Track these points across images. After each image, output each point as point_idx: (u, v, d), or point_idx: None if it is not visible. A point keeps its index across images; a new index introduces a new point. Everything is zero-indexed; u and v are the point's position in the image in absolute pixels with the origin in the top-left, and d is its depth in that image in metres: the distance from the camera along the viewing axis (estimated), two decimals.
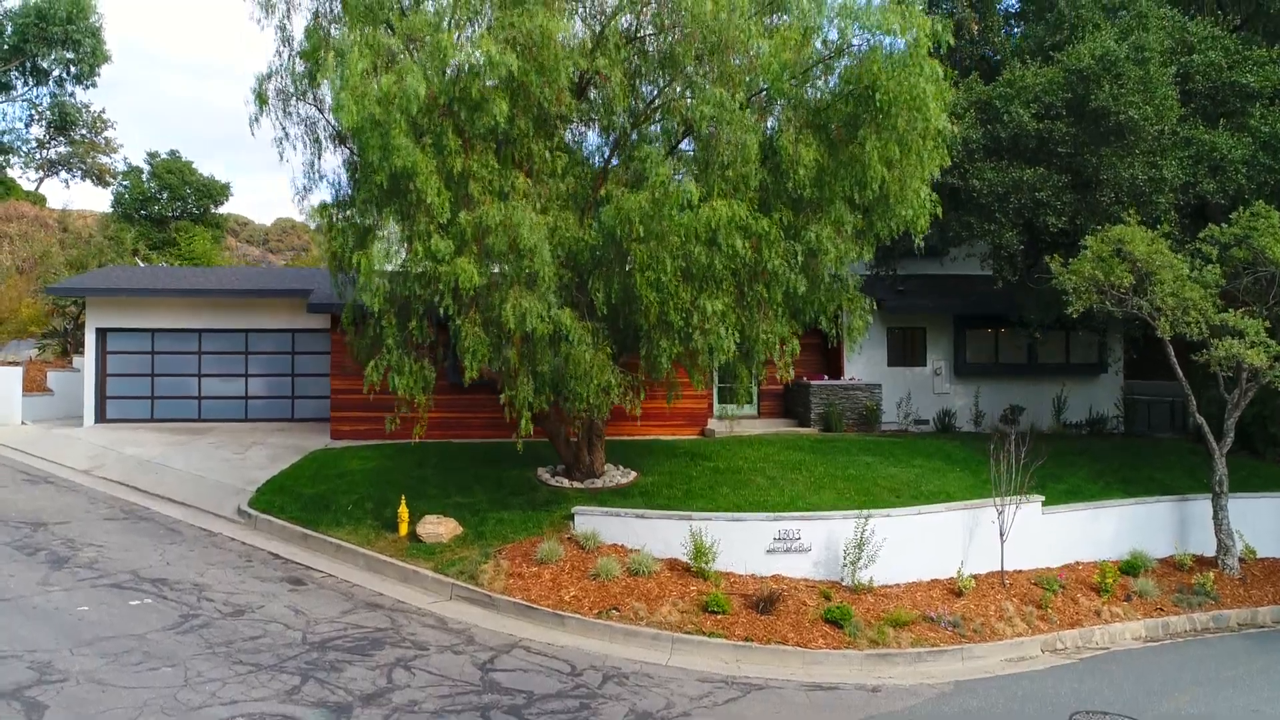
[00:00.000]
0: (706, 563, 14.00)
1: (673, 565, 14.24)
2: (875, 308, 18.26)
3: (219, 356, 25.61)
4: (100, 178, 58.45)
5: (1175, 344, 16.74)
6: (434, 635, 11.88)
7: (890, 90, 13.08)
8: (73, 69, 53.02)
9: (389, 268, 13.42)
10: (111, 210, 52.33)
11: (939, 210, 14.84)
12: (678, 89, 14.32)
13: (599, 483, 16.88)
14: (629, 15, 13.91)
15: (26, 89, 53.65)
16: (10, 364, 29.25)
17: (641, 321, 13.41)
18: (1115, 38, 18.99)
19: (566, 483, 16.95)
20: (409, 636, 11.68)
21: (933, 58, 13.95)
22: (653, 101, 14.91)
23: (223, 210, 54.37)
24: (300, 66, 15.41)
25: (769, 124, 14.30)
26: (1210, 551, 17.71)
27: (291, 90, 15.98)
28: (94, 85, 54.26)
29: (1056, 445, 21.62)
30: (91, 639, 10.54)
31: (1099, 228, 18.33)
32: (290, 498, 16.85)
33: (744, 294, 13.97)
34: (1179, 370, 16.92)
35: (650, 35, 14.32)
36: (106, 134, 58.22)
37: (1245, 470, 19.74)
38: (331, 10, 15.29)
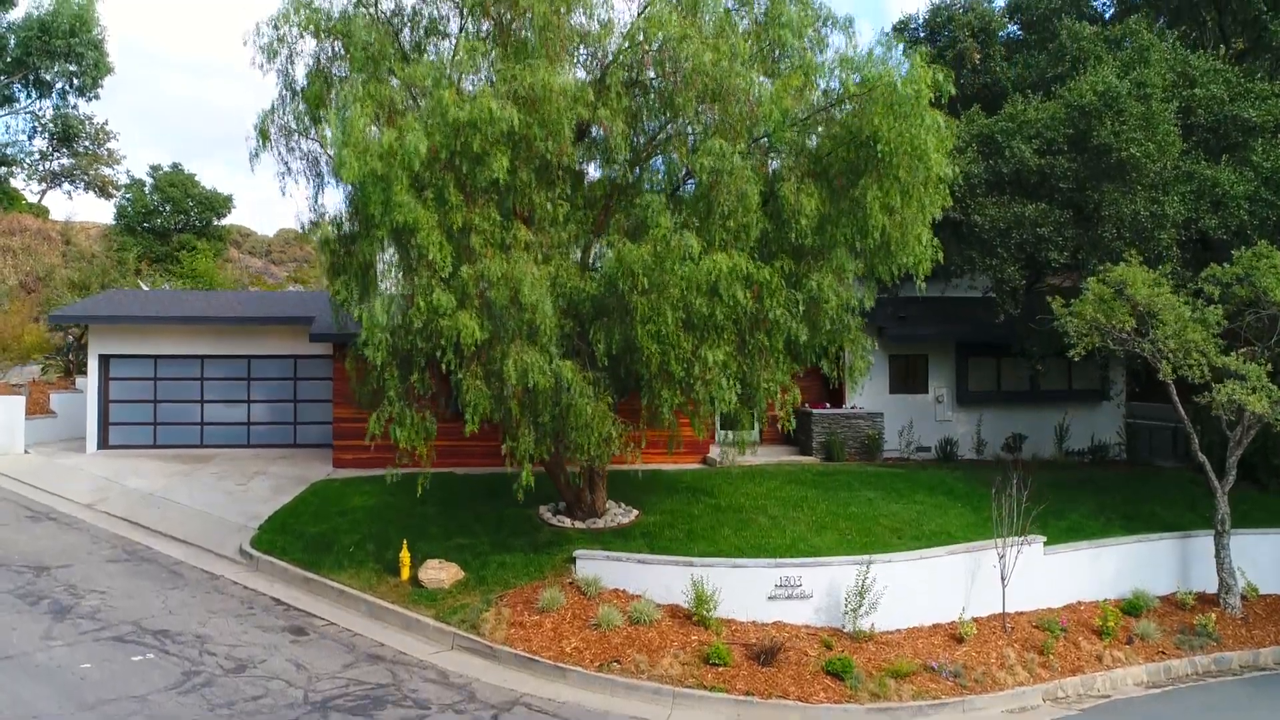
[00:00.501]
0: (708, 610, 14.01)
1: (674, 612, 14.25)
2: (876, 344, 18.29)
3: (221, 383, 25.66)
4: (103, 189, 58.50)
5: (1178, 383, 16.73)
6: (436, 692, 11.89)
7: (891, 141, 13.07)
8: (75, 81, 53.01)
9: (390, 287, 13.46)
10: (114, 223, 52.46)
11: (940, 255, 14.85)
12: (678, 132, 14.32)
13: (600, 523, 16.89)
14: (630, 58, 13.88)
15: (29, 101, 53.74)
16: (14, 387, 29.34)
17: (643, 371, 13.42)
18: (1117, 73, 19.00)
19: (568, 522, 16.96)
20: (410, 694, 11.69)
21: (934, 108, 13.96)
22: (655, 138, 14.92)
23: (225, 222, 54.59)
24: (302, 106, 15.48)
25: (770, 167, 14.27)
26: (1212, 587, 17.68)
27: (293, 126, 16.02)
28: (97, 97, 54.23)
29: (1058, 476, 21.70)
30: (94, 702, 10.56)
31: (1101, 264, 18.35)
32: (292, 537, 16.87)
33: (745, 342, 13.97)
34: (1181, 410, 16.91)
35: (652, 79, 14.30)
36: (109, 145, 58.36)
37: (1247, 503, 19.70)
38: (333, 48, 15.32)
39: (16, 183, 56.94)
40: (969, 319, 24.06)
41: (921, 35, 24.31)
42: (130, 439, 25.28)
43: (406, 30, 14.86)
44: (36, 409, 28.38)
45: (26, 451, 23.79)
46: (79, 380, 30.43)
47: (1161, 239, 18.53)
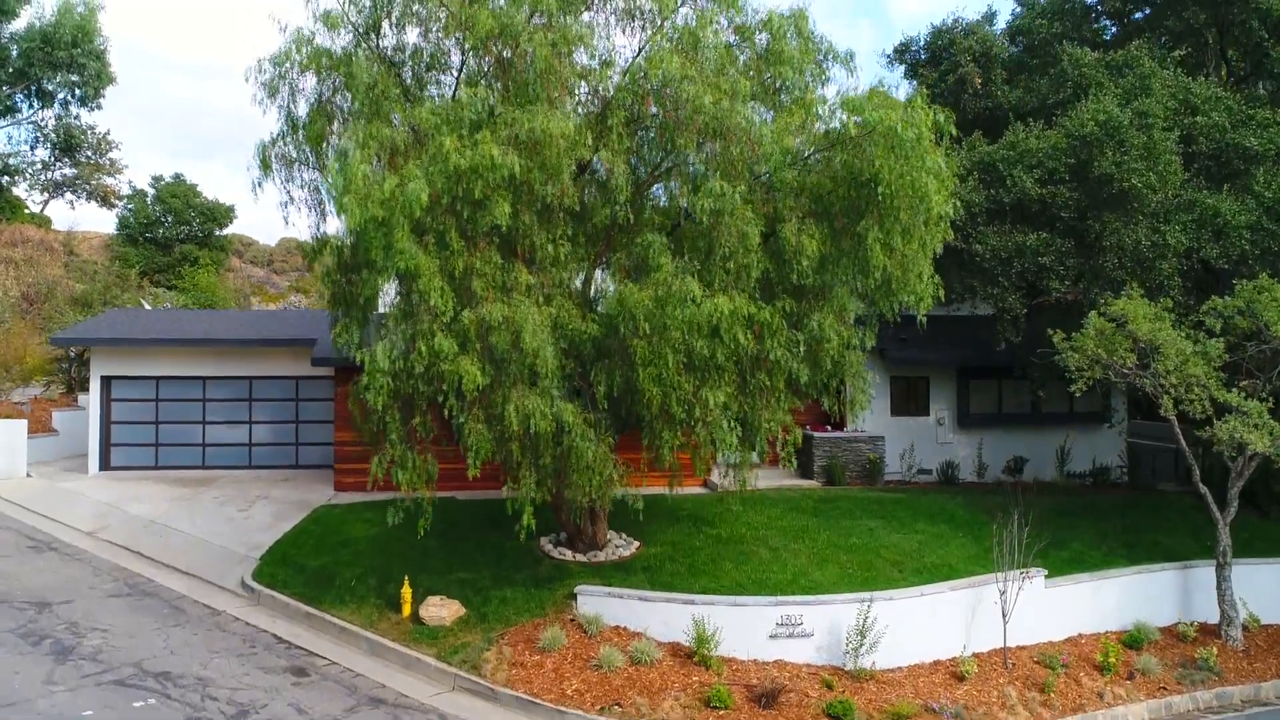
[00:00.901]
0: (709, 650, 14.02)
1: (675, 651, 14.26)
2: (877, 366, 18.24)
3: (223, 404, 25.70)
4: (105, 199, 58.61)
5: (1180, 414, 16.72)
6: None
7: (892, 184, 13.07)
8: (77, 91, 53.21)
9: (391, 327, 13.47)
10: (116, 234, 52.54)
11: (941, 292, 14.85)
12: (679, 169, 14.33)
13: (601, 555, 16.90)
14: (630, 97, 13.88)
15: (32, 111, 53.84)
16: (17, 405, 29.40)
17: (644, 412, 13.44)
18: (1118, 102, 18.99)
19: (569, 555, 16.97)
20: None
21: (937, 144, 13.98)
22: (655, 174, 14.93)
23: (227, 231, 54.63)
24: (305, 143, 15.52)
25: (771, 205, 14.25)
26: (1213, 617, 17.69)
27: (294, 156, 16.03)
28: (99, 107, 54.44)
29: (1059, 501, 21.70)
30: None
31: (1102, 293, 18.38)
32: (294, 570, 16.89)
33: (746, 381, 13.98)
34: (1184, 442, 16.91)
35: (654, 113, 14.28)
36: (111, 155, 58.45)
37: (1249, 530, 19.70)
38: (334, 83, 15.31)
39: (18, 191, 57.07)
40: (971, 341, 24.03)
41: (923, 58, 24.31)
42: (132, 460, 25.31)
43: (408, 67, 14.85)
44: (39, 427, 28.46)
45: (29, 475, 23.83)
46: (81, 397, 30.51)
47: (1163, 268, 18.52)
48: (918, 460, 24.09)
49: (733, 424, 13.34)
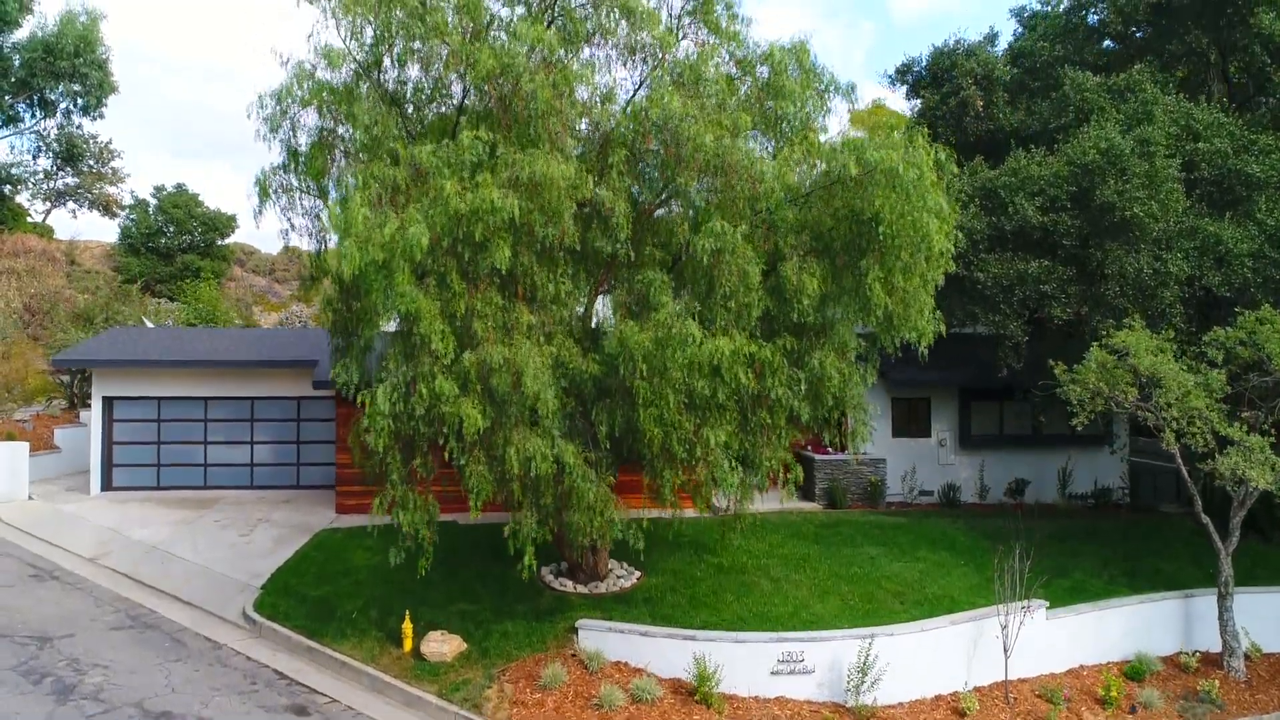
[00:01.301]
0: (710, 687, 14.00)
1: (676, 688, 14.25)
2: (879, 386, 18.19)
3: (225, 424, 25.74)
4: (107, 208, 58.71)
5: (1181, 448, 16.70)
6: None
7: (894, 224, 13.07)
8: (79, 101, 53.30)
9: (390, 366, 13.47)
10: (118, 243, 52.61)
11: (943, 327, 14.83)
12: (680, 203, 14.33)
13: (602, 586, 16.90)
14: (631, 135, 13.85)
15: (35, 121, 53.92)
16: (19, 423, 29.44)
17: (645, 451, 13.43)
18: (1120, 129, 18.97)
19: (570, 586, 16.96)
20: None
21: (938, 180, 13.97)
22: (656, 209, 14.93)
23: (229, 240, 54.70)
24: (307, 179, 15.57)
25: (773, 241, 14.23)
26: (1216, 646, 17.64)
27: (295, 185, 16.09)
28: (101, 116, 54.53)
29: (1061, 525, 21.71)
30: None
31: (1103, 320, 18.36)
32: (295, 601, 16.90)
33: (747, 419, 13.97)
34: (1186, 475, 16.87)
35: (654, 148, 14.26)
36: (114, 164, 58.55)
37: (1250, 557, 19.66)
38: (335, 118, 15.31)
39: (21, 200, 57.14)
40: (972, 362, 23.98)
41: (925, 79, 24.28)
42: (134, 480, 25.36)
43: (410, 101, 14.84)
44: (41, 444, 28.53)
45: (31, 498, 23.85)
46: (83, 413, 30.55)
47: (1164, 296, 18.50)
48: (919, 482, 24.07)
49: (734, 464, 13.33)
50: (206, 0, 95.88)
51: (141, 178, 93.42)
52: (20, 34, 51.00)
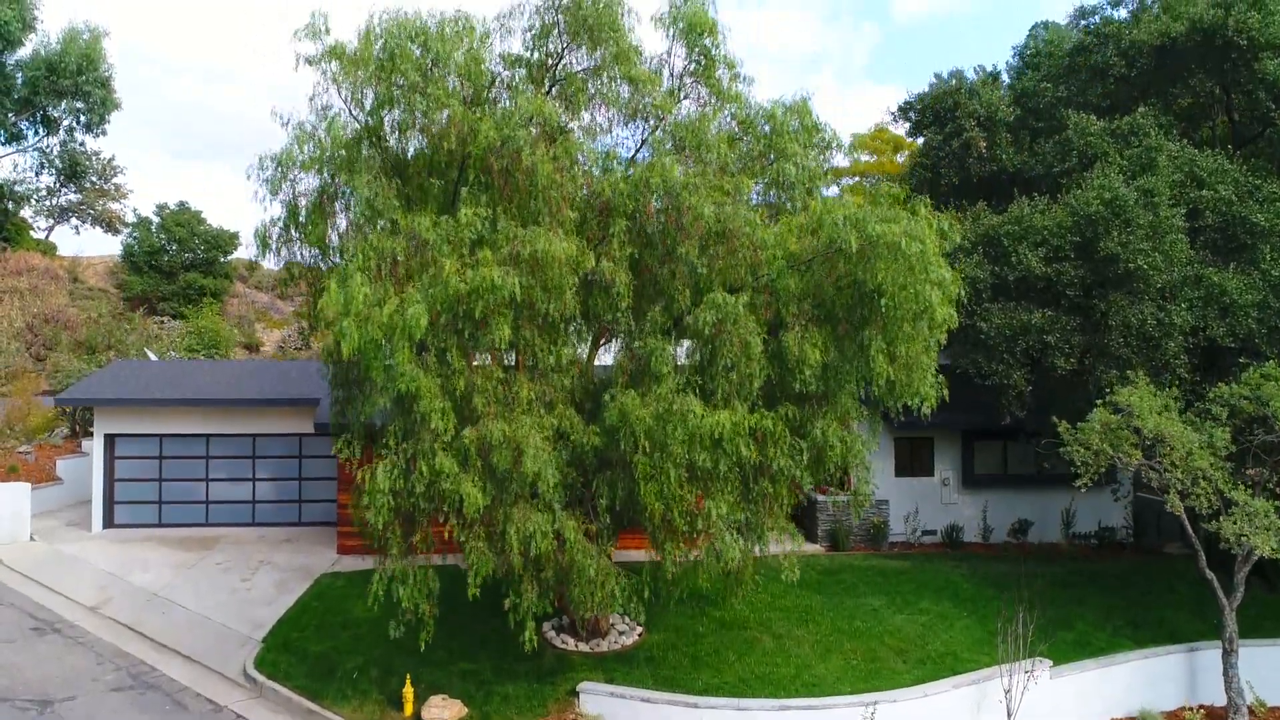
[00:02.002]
0: None
1: None
2: (881, 426, 18.08)
3: (226, 461, 25.69)
4: (110, 225, 58.78)
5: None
6: None
7: (895, 296, 13.02)
8: (82, 118, 53.39)
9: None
10: (121, 261, 52.62)
11: (945, 392, 14.77)
12: (681, 271, 14.25)
13: (604, 644, 16.85)
14: (632, 205, 13.80)
15: (38, 138, 53.99)
16: (22, 453, 29.42)
17: (646, 523, 13.39)
18: (1123, 178, 18.90)
19: (571, 644, 16.91)
20: None
21: (943, 238, 13.94)
22: (657, 276, 14.87)
23: (231, 257, 54.66)
24: (305, 235, 15.55)
25: (774, 308, 14.17)
26: (1220, 699, 17.58)
27: (295, 237, 16.08)
28: (104, 133, 54.60)
29: (1064, 570, 21.64)
30: None
31: (1107, 371, 18.30)
32: (295, 658, 16.85)
33: (749, 488, 13.94)
34: (1191, 531, 16.79)
35: (655, 219, 14.20)
36: (116, 180, 58.62)
37: (1256, 607, 19.56)
38: (336, 178, 15.27)
39: (24, 214, 57.18)
40: (975, 402, 23.87)
41: (928, 118, 24.21)
42: (136, 518, 25.33)
43: (410, 165, 14.80)
44: (43, 476, 28.54)
45: (33, 538, 23.82)
46: (85, 443, 30.54)
47: (1169, 347, 18.41)
48: (922, 522, 24.01)
49: (735, 536, 13.27)
50: (206, 1, 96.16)
51: (142, 179, 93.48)
52: (23, 52, 51.07)
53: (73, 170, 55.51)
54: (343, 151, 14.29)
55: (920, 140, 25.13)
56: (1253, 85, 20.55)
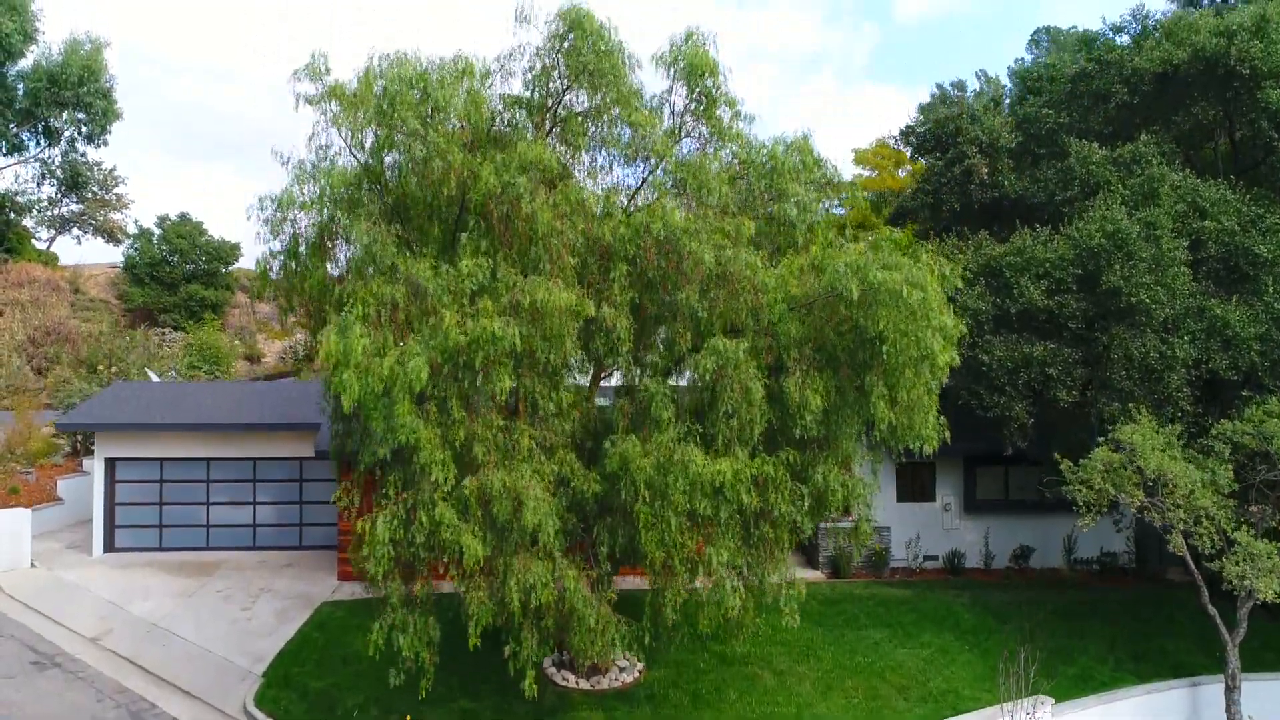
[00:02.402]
0: None
1: None
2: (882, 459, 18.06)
3: (227, 484, 25.68)
4: (111, 235, 58.79)
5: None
6: None
7: (897, 343, 12.99)
8: (84, 129, 53.42)
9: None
10: (123, 273, 52.65)
11: (947, 434, 14.74)
12: (682, 315, 14.21)
13: (604, 681, 16.82)
14: (633, 249, 13.76)
15: (39, 149, 54.01)
16: (22, 473, 29.40)
17: (647, 570, 13.35)
18: (1125, 210, 18.86)
19: (572, 680, 16.88)
20: None
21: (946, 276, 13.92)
22: (659, 321, 14.85)
23: (234, 266, 54.62)
24: (306, 284, 15.59)
25: (774, 354, 14.13)
26: None
27: (294, 270, 16.07)
28: (105, 144, 54.65)
29: (1066, 598, 21.60)
30: None
31: (1109, 404, 18.26)
32: (296, 695, 16.82)
33: (749, 533, 13.89)
34: (1194, 568, 16.75)
35: (655, 264, 14.14)
36: (117, 190, 58.63)
37: (1258, 639, 19.45)
38: (336, 218, 15.22)
39: (26, 222, 57.18)
40: (976, 428, 23.80)
41: (929, 143, 24.17)
42: (137, 541, 25.32)
43: (410, 207, 14.76)
44: (43, 496, 28.54)
45: (33, 565, 23.80)
46: (86, 461, 30.53)
47: (1171, 380, 18.36)
48: (923, 548, 23.97)
49: (735, 584, 13.23)
50: (206, 1, 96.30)
51: (144, 181, 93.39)
52: (24, 63, 51.09)
53: (74, 181, 55.56)
54: (344, 190, 14.24)
55: (922, 160, 25.07)
56: (1255, 114, 20.50)
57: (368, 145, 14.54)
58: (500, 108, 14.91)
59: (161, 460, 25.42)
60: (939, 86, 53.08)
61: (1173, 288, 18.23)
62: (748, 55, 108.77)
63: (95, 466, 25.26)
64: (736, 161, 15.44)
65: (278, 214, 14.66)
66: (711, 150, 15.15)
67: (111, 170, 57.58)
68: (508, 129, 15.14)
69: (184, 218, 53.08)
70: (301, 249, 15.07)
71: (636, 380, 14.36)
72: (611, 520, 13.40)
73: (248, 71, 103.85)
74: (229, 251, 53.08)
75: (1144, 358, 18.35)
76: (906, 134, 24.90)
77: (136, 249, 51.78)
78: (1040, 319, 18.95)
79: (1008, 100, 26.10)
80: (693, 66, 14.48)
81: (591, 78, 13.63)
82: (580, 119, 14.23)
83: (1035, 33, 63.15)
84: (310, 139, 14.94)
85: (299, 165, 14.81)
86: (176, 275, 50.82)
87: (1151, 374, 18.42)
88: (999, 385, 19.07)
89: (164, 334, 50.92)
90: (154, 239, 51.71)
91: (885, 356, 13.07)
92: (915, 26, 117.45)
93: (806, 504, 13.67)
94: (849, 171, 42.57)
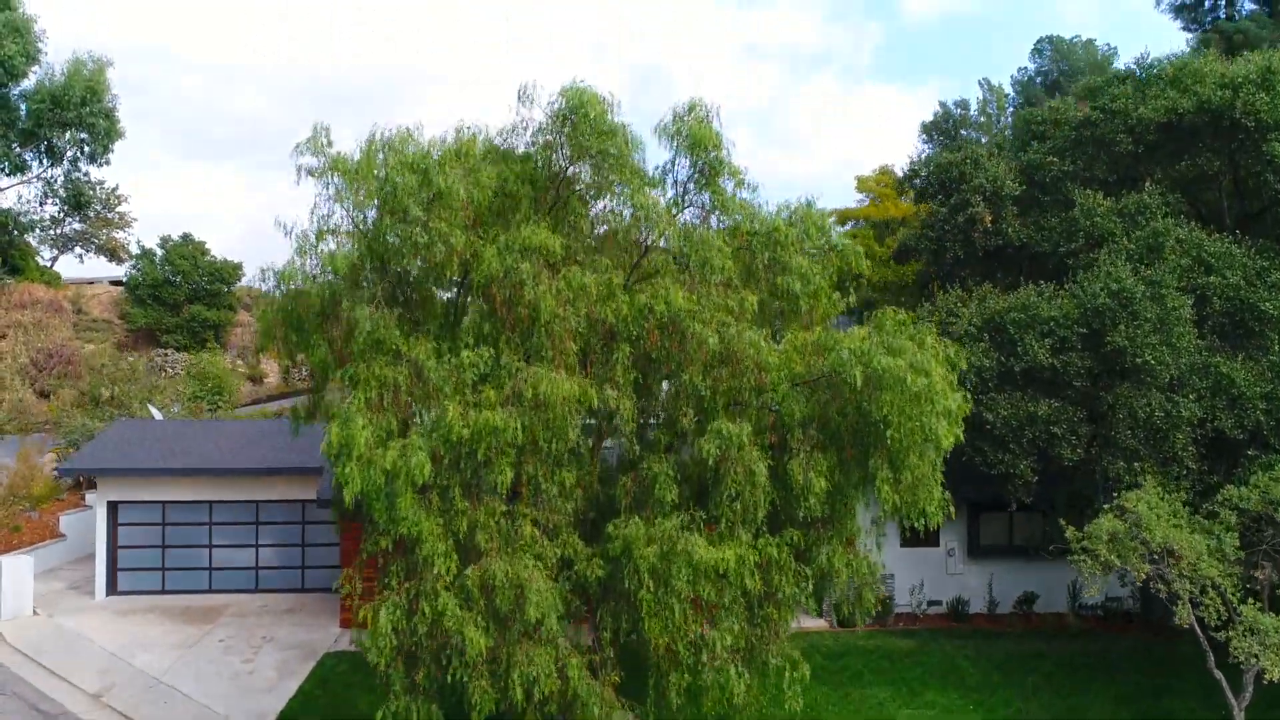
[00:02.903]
0: None
1: None
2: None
3: (229, 527, 25.68)
4: (114, 254, 58.85)
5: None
6: None
7: (900, 428, 12.95)
8: (86, 149, 53.38)
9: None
10: (125, 294, 52.65)
11: (951, 509, 14.69)
12: (684, 394, 14.16)
13: None
14: (635, 330, 13.70)
15: (42, 169, 53.99)
16: (25, 512, 29.42)
17: (650, 655, 13.30)
18: (1130, 266, 18.79)
19: None
20: None
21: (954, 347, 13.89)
22: (663, 402, 14.81)
23: (237, 285, 54.59)
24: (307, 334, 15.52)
25: (778, 435, 14.09)
26: None
27: (295, 341, 16.03)
28: (108, 163, 54.49)
29: (1070, 650, 21.51)
30: None
31: (1114, 463, 18.19)
32: None
33: (754, 614, 13.83)
34: (1200, 633, 16.66)
35: (659, 338, 14.08)
36: (120, 209, 58.68)
37: (1266, 700, 19.32)
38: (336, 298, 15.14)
39: (29, 239, 57.17)
40: (980, 475, 23.74)
41: (933, 187, 24.09)
42: (139, 584, 25.34)
43: (412, 286, 14.72)
44: (46, 532, 28.60)
45: (35, 612, 23.78)
46: (89, 495, 30.55)
47: (1176, 439, 18.28)
48: (927, 594, 23.91)
49: (740, 670, 13.17)
50: (209, 2, 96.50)
51: (146, 181, 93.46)
52: (26, 83, 51.05)
53: (77, 200, 55.52)
54: (345, 262, 14.16)
55: (919, 178, 24.93)
56: (1260, 167, 20.42)
57: (369, 216, 14.49)
58: (503, 182, 14.80)
59: (164, 503, 25.43)
60: (941, 104, 53.03)
61: (1178, 346, 18.15)
62: (747, 55, 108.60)
63: (97, 509, 25.28)
64: (741, 233, 15.33)
65: (280, 286, 14.64)
66: (714, 221, 15.08)
67: (114, 189, 57.68)
68: (509, 200, 15.06)
69: (186, 238, 53.11)
70: (305, 324, 15.01)
71: (639, 455, 14.27)
72: (615, 605, 13.35)
73: (250, 71, 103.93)
74: (231, 271, 53.10)
75: (1149, 416, 18.28)
76: (910, 176, 24.83)
77: (139, 269, 51.78)
78: (1045, 376, 18.87)
79: (1011, 110, 25.96)
80: (696, 140, 14.41)
81: (594, 158, 13.57)
82: (581, 197, 14.12)
83: (1038, 41, 62.96)
84: (313, 210, 14.87)
85: (301, 237, 14.76)
86: (179, 296, 50.86)
87: (1156, 433, 18.35)
88: (1003, 442, 18.99)
89: (166, 354, 51.03)
90: (156, 259, 51.76)
91: (889, 441, 13.01)
92: (921, 26, 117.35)
93: (810, 585, 13.62)
94: (851, 197, 42.58)
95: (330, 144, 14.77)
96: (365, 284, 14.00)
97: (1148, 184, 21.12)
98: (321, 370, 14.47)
